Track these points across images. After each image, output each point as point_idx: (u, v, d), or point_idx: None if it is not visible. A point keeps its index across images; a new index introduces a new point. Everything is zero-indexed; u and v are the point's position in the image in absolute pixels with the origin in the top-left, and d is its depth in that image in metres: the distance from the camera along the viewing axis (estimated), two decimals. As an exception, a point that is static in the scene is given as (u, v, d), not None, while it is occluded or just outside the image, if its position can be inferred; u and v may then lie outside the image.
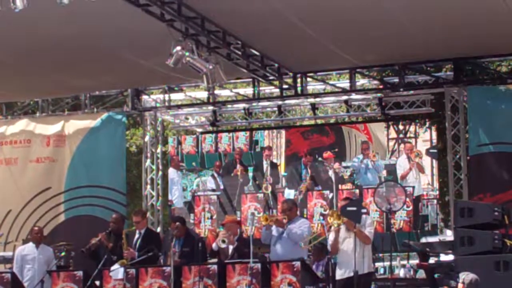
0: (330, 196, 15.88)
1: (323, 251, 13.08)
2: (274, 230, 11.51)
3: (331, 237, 11.04)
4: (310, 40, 12.75)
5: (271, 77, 14.75)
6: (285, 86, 15.46)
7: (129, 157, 20.55)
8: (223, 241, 11.74)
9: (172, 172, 17.10)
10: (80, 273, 12.04)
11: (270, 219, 11.57)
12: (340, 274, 10.91)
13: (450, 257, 12.26)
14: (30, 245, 13.37)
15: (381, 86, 15.75)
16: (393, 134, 15.98)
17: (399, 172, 15.59)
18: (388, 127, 16.00)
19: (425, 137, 16.01)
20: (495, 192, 13.86)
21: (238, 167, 16.64)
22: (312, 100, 16.13)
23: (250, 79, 15.97)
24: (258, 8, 11.36)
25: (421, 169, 15.45)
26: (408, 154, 15.58)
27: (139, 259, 11.86)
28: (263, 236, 11.58)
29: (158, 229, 16.24)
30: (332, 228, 10.98)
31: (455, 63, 14.72)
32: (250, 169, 16.67)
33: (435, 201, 15.69)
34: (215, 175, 16.84)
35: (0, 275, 12.71)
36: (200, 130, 17.65)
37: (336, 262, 11.15)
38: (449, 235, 13.45)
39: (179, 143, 17.47)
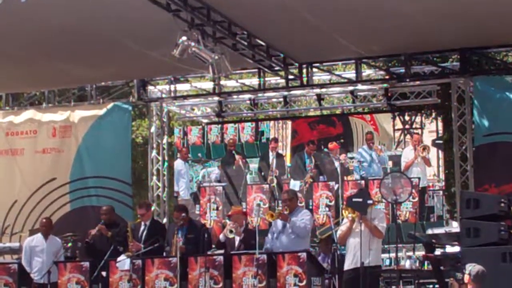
0: (336, 187, 15.87)
1: (330, 244, 13.11)
2: (275, 223, 11.51)
3: (343, 227, 11.11)
4: (316, 30, 12.72)
5: (277, 68, 14.72)
6: (290, 77, 15.43)
7: (135, 148, 20.57)
8: (231, 231, 11.77)
9: (179, 163, 17.08)
10: (86, 264, 12.08)
11: (275, 214, 11.58)
12: (347, 264, 11.05)
13: (456, 249, 12.23)
14: (39, 236, 13.38)
15: (387, 77, 15.72)
16: (399, 125, 15.98)
17: (404, 163, 15.59)
18: (394, 118, 15.97)
19: (431, 128, 16.01)
20: (500, 183, 13.83)
21: (237, 157, 16.60)
22: (318, 90, 16.09)
23: (256, 70, 15.96)
24: (264, -2, 11.36)
25: (427, 163, 15.44)
26: (415, 145, 15.56)
27: (145, 250, 11.88)
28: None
29: (164, 220, 16.25)
30: (345, 220, 11.07)
31: (461, 53, 14.67)
32: (256, 160, 16.66)
33: (441, 192, 15.69)
34: (221, 166, 16.84)
35: (7, 266, 12.75)
36: (205, 121, 17.63)
37: (344, 254, 11.21)
38: (455, 226, 13.41)
39: (185, 133, 17.48)
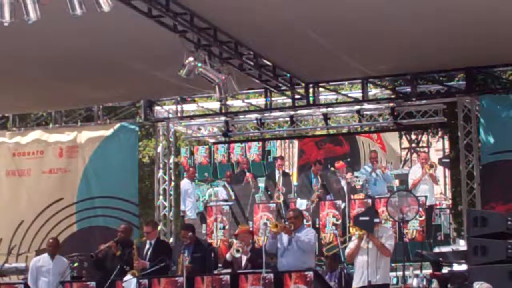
0: (343, 206, 15.86)
1: (337, 262, 13.08)
2: (280, 240, 11.51)
3: (351, 245, 11.13)
4: (322, 50, 12.75)
5: (283, 87, 14.77)
6: (297, 96, 15.47)
7: (141, 168, 20.59)
8: (237, 251, 11.77)
9: (186, 183, 17.09)
10: (93, 284, 12.06)
11: (280, 226, 11.58)
12: (355, 282, 11.06)
13: (463, 267, 12.22)
14: (45, 256, 13.37)
15: (393, 96, 15.74)
16: (406, 144, 15.97)
17: (411, 181, 15.58)
18: (400, 137, 15.98)
19: (437, 147, 15.99)
20: (507, 201, 13.81)
21: (248, 174, 16.64)
22: (324, 110, 16.12)
23: (262, 90, 16.01)
24: (270, 18, 11.39)
25: (434, 180, 15.43)
26: (422, 163, 15.55)
27: (150, 270, 11.87)
28: (269, 245, 11.52)
29: (171, 240, 16.24)
30: (354, 237, 11.08)
31: (467, 72, 14.70)
32: (262, 179, 16.66)
33: (448, 210, 15.65)
34: (227, 185, 16.85)
35: (13, 286, 12.75)
36: (212, 140, 17.66)
37: (350, 272, 11.20)
38: (462, 244, 13.39)
39: (192, 153, 17.48)
